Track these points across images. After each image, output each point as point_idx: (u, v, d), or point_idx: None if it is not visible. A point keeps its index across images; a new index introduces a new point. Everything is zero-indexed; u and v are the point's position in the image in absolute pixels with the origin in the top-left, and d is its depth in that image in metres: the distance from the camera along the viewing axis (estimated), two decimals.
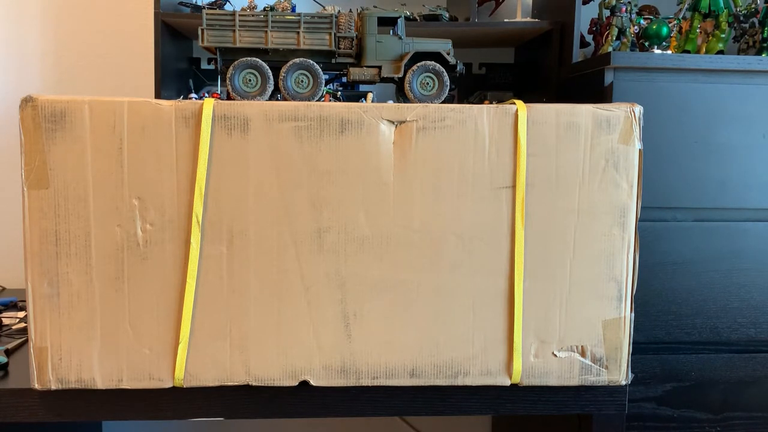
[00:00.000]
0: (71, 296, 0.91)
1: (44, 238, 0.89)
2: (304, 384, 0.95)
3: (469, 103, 1.48)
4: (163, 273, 0.91)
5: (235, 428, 1.82)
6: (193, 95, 1.41)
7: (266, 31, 1.03)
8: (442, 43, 1.08)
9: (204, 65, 1.62)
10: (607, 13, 1.36)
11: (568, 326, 0.96)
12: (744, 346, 1.22)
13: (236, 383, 0.94)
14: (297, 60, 1.04)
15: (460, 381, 0.96)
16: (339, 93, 1.27)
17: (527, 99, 0.99)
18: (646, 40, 1.31)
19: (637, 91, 1.15)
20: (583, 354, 0.97)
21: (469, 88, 1.64)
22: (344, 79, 1.11)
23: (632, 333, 0.97)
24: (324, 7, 1.44)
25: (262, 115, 0.91)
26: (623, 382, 0.98)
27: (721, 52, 1.30)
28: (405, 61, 1.07)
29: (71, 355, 0.91)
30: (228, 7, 1.45)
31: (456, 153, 0.93)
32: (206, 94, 1.41)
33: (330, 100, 1.19)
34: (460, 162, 0.93)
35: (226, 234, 0.92)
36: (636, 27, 1.36)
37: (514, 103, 0.93)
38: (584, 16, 1.37)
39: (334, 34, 1.04)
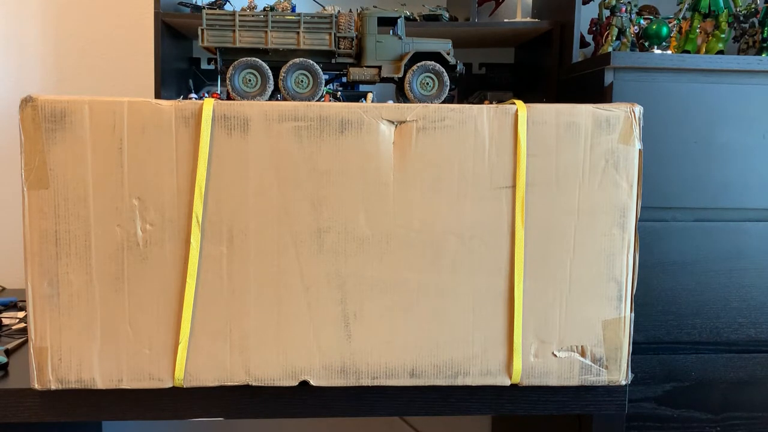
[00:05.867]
0: (71, 296, 0.91)
1: (44, 238, 0.89)
2: (304, 384, 0.95)
3: (469, 103, 1.48)
4: (163, 273, 0.91)
5: (235, 428, 1.82)
6: (193, 95, 1.41)
7: (266, 31, 1.03)
8: (442, 43, 1.08)
9: (204, 65, 1.62)
10: (607, 13, 1.36)
11: (568, 326, 0.96)
12: (744, 346, 1.22)
13: (236, 383, 0.94)
14: (297, 60, 1.04)
15: (460, 381, 0.96)
16: (339, 93, 1.27)
17: (527, 99, 0.99)
18: (646, 40, 1.31)
19: (637, 91, 1.15)
20: (583, 354, 0.97)
21: (469, 88, 1.64)
22: (344, 79, 1.11)
23: (632, 333, 0.97)
24: (324, 7, 1.44)
25: (262, 115, 0.91)
26: (623, 382, 0.98)
27: (721, 52, 1.29)
28: (405, 61, 1.07)
29: (71, 355, 0.91)
30: (228, 7, 1.45)
31: (456, 153, 0.93)
32: (206, 94, 1.41)
33: (330, 100, 1.19)
34: (460, 162, 0.93)
35: (226, 234, 0.92)
36: (636, 27, 1.36)
37: (514, 103, 0.93)
38: (584, 16, 1.37)
39: (334, 34, 1.04)
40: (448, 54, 1.08)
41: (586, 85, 1.24)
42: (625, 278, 0.96)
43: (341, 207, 0.93)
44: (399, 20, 1.07)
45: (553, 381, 0.97)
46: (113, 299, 0.91)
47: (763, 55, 1.26)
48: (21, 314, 1.30)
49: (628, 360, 0.97)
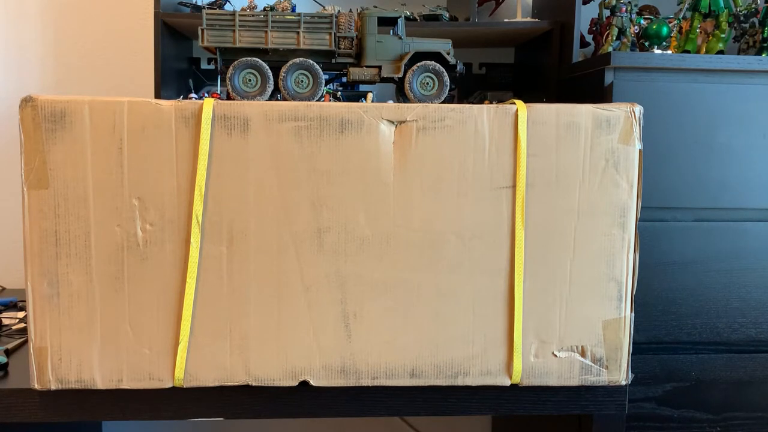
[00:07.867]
0: (71, 296, 0.91)
1: (44, 238, 0.89)
2: (304, 384, 0.95)
3: (469, 103, 1.48)
4: (163, 273, 0.91)
5: (235, 428, 1.82)
6: (193, 95, 1.41)
7: (266, 31, 1.03)
8: (442, 43, 1.08)
9: (204, 65, 1.62)
10: (607, 13, 1.36)
11: (568, 326, 0.96)
12: (744, 346, 1.22)
13: (236, 383, 0.94)
14: (297, 60, 1.04)
15: (460, 381, 0.96)
16: (339, 93, 1.27)
17: (527, 99, 0.99)
18: (646, 40, 1.31)
19: (637, 91, 1.15)
20: (583, 354, 0.97)
21: (469, 88, 1.64)
22: (344, 79, 1.11)
23: (632, 333, 0.97)
24: (324, 7, 1.44)
25: (262, 115, 0.91)
26: (623, 382, 0.98)
27: (721, 52, 1.29)
28: (405, 61, 1.07)
29: (71, 355, 0.91)
30: (228, 7, 1.45)
31: (456, 153, 0.93)
32: (206, 94, 1.41)
33: (330, 100, 1.19)
34: (460, 162, 0.93)
35: (226, 234, 0.92)
36: (636, 27, 1.36)
37: (514, 103, 0.93)
38: (584, 16, 1.37)
39: (334, 34, 1.04)
40: (448, 54, 1.08)
41: (586, 85, 1.24)
42: (625, 278, 0.96)
43: (341, 207, 0.93)
44: (399, 20, 1.07)
45: (553, 381, 0.97)
46: (113, 299, 0.91)
47: (763, 55, 1.26)
48: (21, 314, 1.30)
49: (628, 360, 0.97)
